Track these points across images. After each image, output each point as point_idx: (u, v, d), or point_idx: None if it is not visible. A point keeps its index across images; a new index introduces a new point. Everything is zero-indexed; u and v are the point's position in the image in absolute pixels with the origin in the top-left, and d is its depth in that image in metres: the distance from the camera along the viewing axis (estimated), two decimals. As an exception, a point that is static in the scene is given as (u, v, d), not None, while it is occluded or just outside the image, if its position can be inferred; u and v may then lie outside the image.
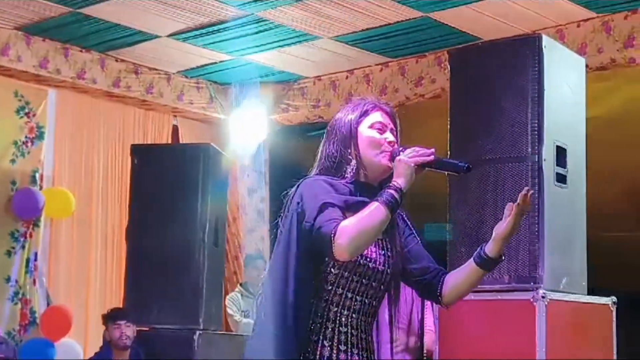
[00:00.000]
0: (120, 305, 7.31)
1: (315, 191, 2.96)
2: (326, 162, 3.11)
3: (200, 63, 8.85)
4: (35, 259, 8.18)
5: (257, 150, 9.53)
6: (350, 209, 2.92)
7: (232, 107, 9.45)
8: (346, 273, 2.98)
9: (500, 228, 3.03)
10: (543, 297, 4.51)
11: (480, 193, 4.82)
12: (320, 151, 3.17)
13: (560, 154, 4.82)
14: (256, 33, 7.92)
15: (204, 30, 7.93)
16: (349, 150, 3.09)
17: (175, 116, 9.50)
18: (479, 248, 3.09)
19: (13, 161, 8.20)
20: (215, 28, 7.87)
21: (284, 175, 8.93)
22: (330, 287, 2.98)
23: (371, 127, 3.11)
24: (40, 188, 8.27)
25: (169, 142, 9.31)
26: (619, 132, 7.95)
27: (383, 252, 3.06)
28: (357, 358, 3.00)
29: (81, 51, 8.41)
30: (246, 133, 9.38)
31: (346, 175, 3.07)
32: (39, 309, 8.08)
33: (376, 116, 3.13)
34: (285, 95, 9.35)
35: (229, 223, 8.68)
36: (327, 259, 2.94)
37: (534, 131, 4.69)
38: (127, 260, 7.28)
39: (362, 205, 2.91)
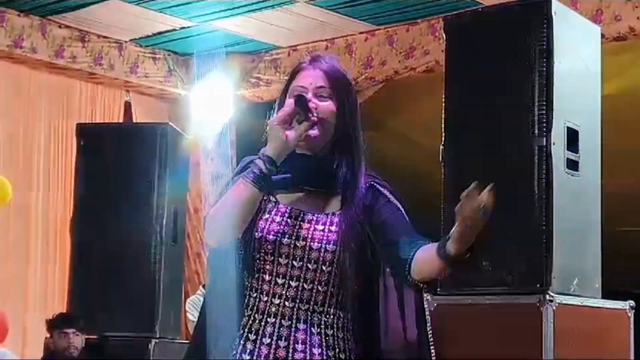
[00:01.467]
0: (64, 310, 7.29)
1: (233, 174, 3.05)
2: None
3: (157, 30, 8.83)
4: (-34, 256, 8.16)
5: (222, 131, 9.52)
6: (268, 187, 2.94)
7: (193, 81, 9.44)
8: (268, 256, 2.96)
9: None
10: (551, 300, 4.52)
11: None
12: None
13: (572, 136, 4.83)
14: (222, -5, 7.93)
15: (161, -8, 7.93)
16: None
17: (127, 91, 9.49)
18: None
19: (-60, 143, 8.18)
20: (174, -11, 7.87)
21: (254, 159, 8.93)
22: (257, 275, 2.98)
23: (292, 94, 3.00)
24: (-28, 174, 8.25)
25: (121, 120, 9.29)
26: (639, 111, 7.99)
27: (322, 227, 2.98)
28: (283, 353, 2.94)
29: (19, 15, 8.37)
30: (210, 111, 9.37)
31: None
32: (-31, 314, 8.06)
33: (299, 79, 3.04)
34: (255, 68, 9.35)
35: (189, 215, 8.69)
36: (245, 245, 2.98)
37: (542, 110, 4.70)
38: (72, 257, 7.28)
39: (281, 182, 2.95)
